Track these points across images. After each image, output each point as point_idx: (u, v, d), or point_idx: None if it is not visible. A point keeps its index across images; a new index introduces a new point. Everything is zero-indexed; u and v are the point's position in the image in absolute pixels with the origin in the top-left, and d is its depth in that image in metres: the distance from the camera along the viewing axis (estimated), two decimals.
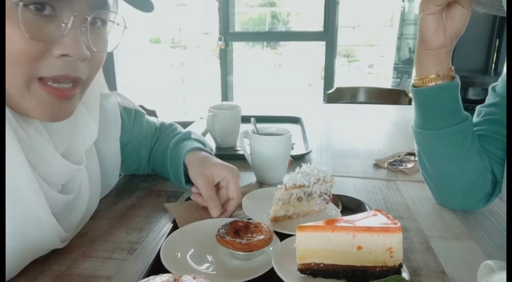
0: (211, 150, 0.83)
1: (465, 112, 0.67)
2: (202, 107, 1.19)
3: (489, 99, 0.72)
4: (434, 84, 0.65)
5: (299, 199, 0.66)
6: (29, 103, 0.48)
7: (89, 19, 0.48)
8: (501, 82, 0.72)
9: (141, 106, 1.04)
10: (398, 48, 3.87)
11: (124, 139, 0.78)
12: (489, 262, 0.39)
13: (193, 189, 0.71)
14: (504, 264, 0.39)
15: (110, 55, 3.20)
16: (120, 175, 0.83)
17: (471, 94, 2.43)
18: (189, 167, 0.73)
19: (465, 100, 2.47)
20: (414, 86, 0.68)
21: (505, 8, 0.57)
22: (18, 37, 0.43)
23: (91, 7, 0.48)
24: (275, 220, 0.65)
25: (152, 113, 1.67)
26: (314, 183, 0.65)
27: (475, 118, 0.73)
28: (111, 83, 3.26)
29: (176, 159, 0.76)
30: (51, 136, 0.54)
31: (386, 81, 4.30)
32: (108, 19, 0.53)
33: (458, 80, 0.66)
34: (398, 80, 3.89)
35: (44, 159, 0.51)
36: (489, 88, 0.74)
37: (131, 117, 0.81)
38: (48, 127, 0.54)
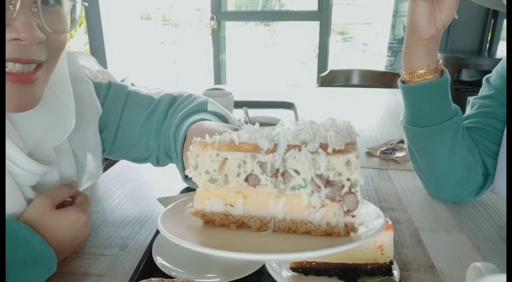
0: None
1: (454, 106, 0.67)
2: (196, 88, 1.18)
3: (483, 91, 0.72)
4: (424, 79, 0.63)
5: (249, 179, 0.34)
6: None
7: None
8: (495, 74, 0.71)
9: None
10: (393, 26, 3.83)
11: (108, 120, 0.68)
12: (478, 264, 0.40)
13: None
14: (493, 266, 0.39)
15: (100, 34, 3.12)
16: (105, 163, 0.80)
17: (465, 76, 2.42)
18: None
19: (459, 82, 2.48)
20: (402, 81, 0.67)
21: (504, 2, 0.55)
22: None
23: None
24: (207, 220, 0.36)
25: None
26: (293, 146, 0.32)
27: (469, 110, 0.72)
28: (101, 63, 3.19)
29: (176, 138, 0.61)
30: (21, 133, 0.52)
31: (381, 60, 4.27)
32: None
33: (447, 75, 0.65)
34: (393, 58, 3.86)
35: (9, 158, 0.49)
36: (484, 79, 0.73)
37: (110, 92, 0.69)
38: (17, 122, 0.52)
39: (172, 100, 0.68)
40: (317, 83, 2.07)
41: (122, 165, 0.90)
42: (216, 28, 3.00)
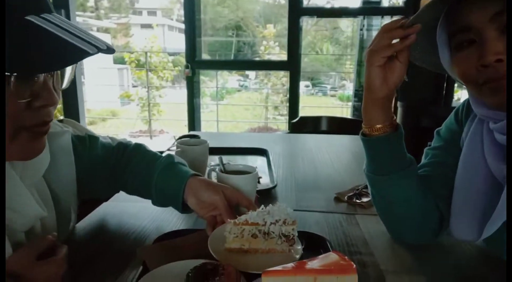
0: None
1: (409, 157, 0.74)
2: (170, 132, 1.21)
3: (435, 142, 0.80)
4: (381, 133, 0.71)
5: (254, 236, 0.69)
6: (13, 150, 0.53)
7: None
8: (444, 127, 0.80)
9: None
10: (358, 74, 4.06)
11: (81, 168, 0.79)
12: None
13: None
14: None
15: (73, 83, 3.14)
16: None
17: (424, 123, 2.60)
18: (198, 190, 0.77)
19: (419, 128, 2.65)
20: (363, 134, 0.74)
21: (442, 66, 0.65)
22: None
23: None
24: (230, 250, 0.69)
25: None
26: (272, 223, 0.68)
27: (422, 160, 0.80)
28: (75, 106, 3.18)
29: (173, 184, 0.78)
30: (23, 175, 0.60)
31: (348, 104, 4.48)
32: None
33: (401, 129, 0.73)
34: (359, 103, 4.07)
35: (13, 203, 0.56)
36: (435, 132, 0.81)
37: (86, 145, 0.83)
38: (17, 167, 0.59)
39: (113, 149, 0.86)
40: (288, 129, 2.16)
41: (98, 213, 0.91)
42: (190, 75, 3.11)
